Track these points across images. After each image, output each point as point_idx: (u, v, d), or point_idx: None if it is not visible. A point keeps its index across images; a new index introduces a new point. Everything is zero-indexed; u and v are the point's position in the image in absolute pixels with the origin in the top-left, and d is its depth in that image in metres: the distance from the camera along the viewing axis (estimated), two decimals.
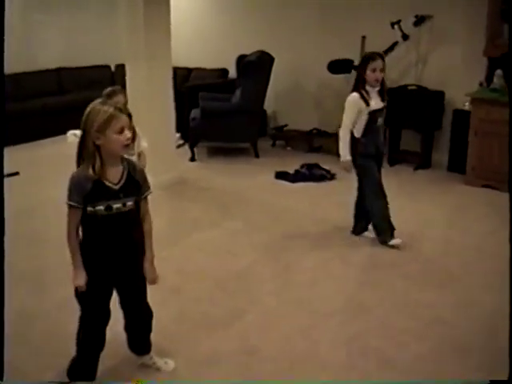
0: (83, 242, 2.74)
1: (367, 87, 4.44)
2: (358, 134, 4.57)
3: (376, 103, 4.48)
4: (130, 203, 2.70)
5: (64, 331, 3.08)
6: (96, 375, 2.95)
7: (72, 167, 2.66)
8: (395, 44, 6.84)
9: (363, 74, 4.42)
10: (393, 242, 4.68)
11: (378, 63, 4.37)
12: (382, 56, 4.47)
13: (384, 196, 4.68)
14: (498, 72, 6.09)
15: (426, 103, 6.74)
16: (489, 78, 6.25)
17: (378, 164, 4.71)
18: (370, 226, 4.86)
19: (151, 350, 3.17)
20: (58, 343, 3.27)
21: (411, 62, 6.98)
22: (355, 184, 4.80)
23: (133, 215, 2.76)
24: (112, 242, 2.74)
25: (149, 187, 2.84)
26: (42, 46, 9.39)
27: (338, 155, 4.64)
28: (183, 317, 3.72)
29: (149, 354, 3.17)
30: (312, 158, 7.23)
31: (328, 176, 6.58)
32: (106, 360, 3.03)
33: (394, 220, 4.73)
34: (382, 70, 4.39)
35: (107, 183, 2.62)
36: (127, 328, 3.07)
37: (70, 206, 2.61)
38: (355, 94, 4.46)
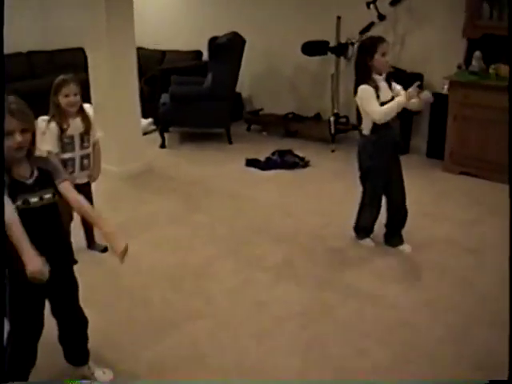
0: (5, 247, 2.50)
1: (374, 76, 3.96)
2: (366, 131, 4.13)
3: (386, 94, 4.00)
4: (47, 196, 2.53)
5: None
6: None
7: None
8: (371, 25, 6.53)
9: (369, 60, 3.92)
10: (365, 243, 4.44)
11: (385, 46, 3.95)
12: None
13: (379, 206, 4.35)
14: (477, 54, 5.82)
15: (404, 86, 6.39)
16: (467, 60, 5.98)
17: (395, 158, 4.26)
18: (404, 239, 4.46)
19: (89, 360, 2.95)
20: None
21: (388, 43, 6.67)
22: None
23: (54, 211, 2.59)
24: (36, 242, 2.50)
25: (61, 173, 2.64)
26: (12, 28, 9.02)
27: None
28: (132, 321, 3.48)
29: (87, 365, 2.95)
30: (287, 144, 6.97)
31: (301, 163, 6.31)
32: (40, 372, 2.80)
33: None
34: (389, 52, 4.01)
35: (20, 178, 2.46)
36: (61, 338, 2.87)
37: None
38: (366, 86, 3.94)
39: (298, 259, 4.25)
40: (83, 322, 2.86)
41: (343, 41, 6.82)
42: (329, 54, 6.99)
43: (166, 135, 7.30)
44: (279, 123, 7.71)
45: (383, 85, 4.02)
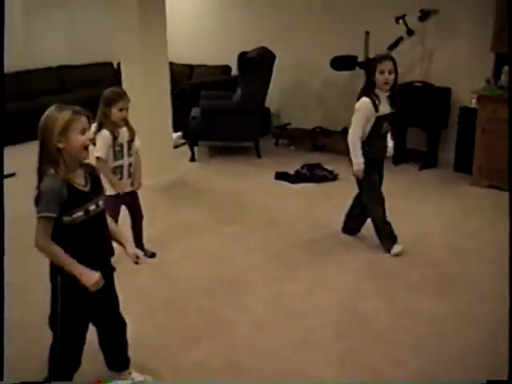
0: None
1: (377, 91, 4.25)
2: (362, 138, 4.40)
3: (385, 108, 4.30)
4: (100, 202, 2.63)
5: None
6: None
7: None
8: (400, 39, 6.62)
9: (372, 77, 4.23)
10: (394, 250, 4.49)
11: (385, 64, 4.17)
12: (391, 57, 4.27)
13: (383, 202, 4.49)
14: (506, 68, 5.85)
15: (432, 100, 6.51)
16: (496, 74, 6.02)
17: (379, 171, 4.55)
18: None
19: (130, 366, 3.02)
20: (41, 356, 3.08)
21: (416, 58, 6.75)
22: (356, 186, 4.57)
23: (104, 217, 2.70)
24: (93, 249, 2.62)
25: None
26: (43, 43, 9.23)
27: (350, 160, 4.45)
28: (169, 330, 3.56)
29: (127, 370, 3.01)
30: (315, 158, 7.04)
31: (330, 177, 6.38)
32: (82, 378, 2.87)
33: (396, 222, 4.56)
34: (392, 71, 4.18)
35: (79, 187, 2.53)
36: (102, 343, 2.93)
37: (47, 218, 2.44)
38: (365, 99, 4.26)
39: (331, 270, 4.30)
40: (122, 325, 2.92)
41: (372, 56, 6.88)
42: (357, 68, 7.07)
43: (195, 149, 7.40)
44: (307, 137, 7.80)
45: (384, 100, 4.30)
